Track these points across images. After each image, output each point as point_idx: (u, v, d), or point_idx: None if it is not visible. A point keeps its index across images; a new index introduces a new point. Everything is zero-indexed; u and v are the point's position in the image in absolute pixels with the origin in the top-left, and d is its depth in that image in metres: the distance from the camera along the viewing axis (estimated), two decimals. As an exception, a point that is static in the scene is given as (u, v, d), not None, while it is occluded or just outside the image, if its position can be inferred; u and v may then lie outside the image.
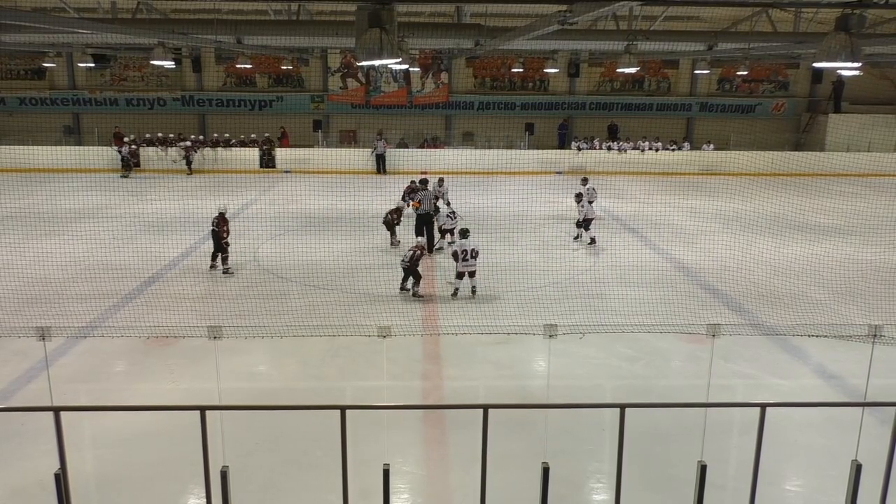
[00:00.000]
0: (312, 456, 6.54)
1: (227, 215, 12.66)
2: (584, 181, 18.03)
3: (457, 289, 11.35)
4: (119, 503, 5.96)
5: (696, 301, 11.12)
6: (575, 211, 15.65)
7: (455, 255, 11.37)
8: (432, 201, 14.23)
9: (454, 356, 8.98)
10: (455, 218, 14.20)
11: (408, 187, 16.12)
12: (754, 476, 4.16)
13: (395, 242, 14.34)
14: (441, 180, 16.66)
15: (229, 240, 12.52)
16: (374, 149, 25.52)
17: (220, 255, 12.52)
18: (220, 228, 12.38)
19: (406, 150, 26.77)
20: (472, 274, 11.31)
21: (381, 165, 25.39)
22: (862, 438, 4.66)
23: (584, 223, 14.94)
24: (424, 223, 13.83)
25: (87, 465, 6.43)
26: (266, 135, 26.89)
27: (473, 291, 11.37)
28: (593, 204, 17.79)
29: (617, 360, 8.95)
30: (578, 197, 15.44)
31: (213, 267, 12.60)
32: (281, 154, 26.04)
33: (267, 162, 25.79)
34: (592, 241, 14.91)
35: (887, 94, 28.97)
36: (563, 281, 12.21)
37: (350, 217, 17.21)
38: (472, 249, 11.20)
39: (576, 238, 15.15)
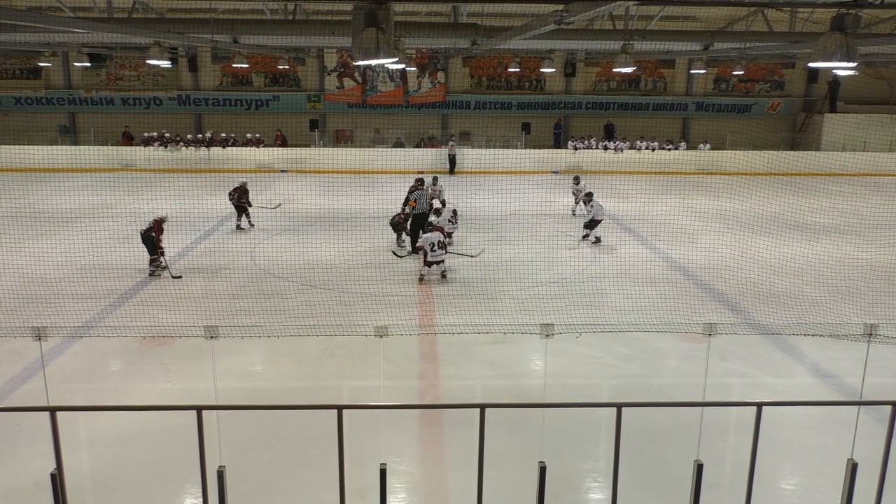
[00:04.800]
0: (309, 455, 6.53)
1: (164, 224, 12.41)
2: (577, 180, 18.05)
3: (422, 275, 11.96)
4: (115, 503, 5.95)
5: (692, 300, 11.14)
6: (583, 211, 15.61)
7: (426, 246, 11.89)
8: (428, 200, 14.24)
9: (451, 355, 8.98)
10: (456, 221, 14.20)
11: (413, 186, 16.13)
12: (750, 475, 4.17)
13: (401, 244, 14.37)
14: (435, 179, 16.64)
15: (164, 246, 12.33)
16: (449, 149, 25.83)
17: (153, 258, 12.27)
18: (152, 234, 12.15)
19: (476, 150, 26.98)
20: (439, 263, 11.97)
21: (452, 166, 25.56)
22: (858, 437, 4.68)
23: (592, 224, 14.86)
24: (420, 222, 13.85)
25: (84, 465, 6.42)
26: (257, 135, 26.95)
27: (443, 275, 12.05)
28: (577, 204, 17.87)
29: (613, 360, 8.96)
30: (588, 196, 15.26)
31: (156, 270, 12.30)
32: (278, 153, 26.05)
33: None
34: (597, 240, 14.88)
35: (883, 94, 29.05)
36: (559, 280, 12.22)
37: (347, 217, 17.21)
38: (439, 241, 11.86)
39: (584, 237, 15.00)
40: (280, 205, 16.94)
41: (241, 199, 15.90)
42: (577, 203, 18.14)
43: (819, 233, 15.86)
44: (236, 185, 16.03)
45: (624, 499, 4.30)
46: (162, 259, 12.30)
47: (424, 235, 12.04)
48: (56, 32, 15.06)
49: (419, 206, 13.96)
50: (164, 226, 12.47)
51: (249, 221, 16.17)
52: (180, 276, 12.09)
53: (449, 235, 13.95)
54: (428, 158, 25.66)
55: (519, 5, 18.28)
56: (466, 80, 30.22)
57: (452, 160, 25.63)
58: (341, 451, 4.01)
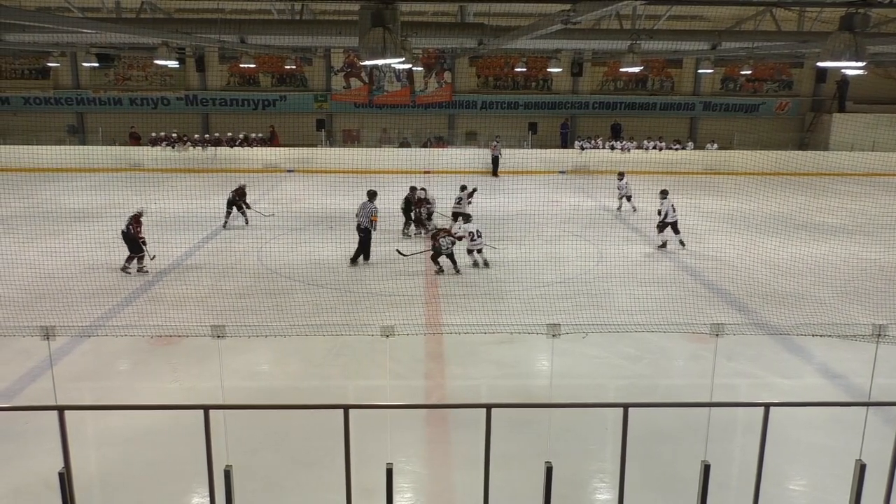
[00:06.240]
0: (315, 455, 6.54)
1: (142, 218, 12.52)
2: (621, 176, 18.17)
3: (475, 262, 13.01)
4: (123, 502, 5.97)
5: (699, 300, 11.10)
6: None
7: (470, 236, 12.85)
8: (367, 216, 13.37)
9: (457, 355, 8.98)
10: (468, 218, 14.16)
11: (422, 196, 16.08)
12: (758, 476, 4.16)
13: (406, 233, 15.52)
14: (423, 190, 16.41)
15: (146, 238, 12.47)
16: (493, 149, 25.66)
17: (136, 256, 12.41)
18: (133, 231, 12.27)
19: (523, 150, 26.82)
20: (479, 250, 12.95)
21: (495, 167, 25.46)
22: (866, 438, 4.65)
23: (662, 225, 14.61)
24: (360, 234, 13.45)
25: (91, 463, 6.44)
26: (260, 135, 27.06)
27: (486, 264, 12.99)
28: (632, 200, 17.96)
29: (620, 360, 8.95)
30: (663, 194, 14.81)
31: (126, 269, 12.38)
32: (279, 153, 26.13)
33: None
34: (664, 244, 14.59)
35: (892, 94, 28.89)
36: (566, 280, 12.21)
37: (353, 216, 17.17)
38: (477, 230, 12.86)
39: (662, 245, 14.66)
40: (273, 215, 17.21)
41: (239, 199, 16.40)
42: (620, 199, 18.46)
43: (827, 233, 15.78)
44: (236, 186, 16.52)
45: (630, 499, 4.29)
46: (144, 249, 12.46)
47: (465, 225, 12.99)
48: (65, 33, 15.14)
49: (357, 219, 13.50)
50: (143, 219, 12.62)
51: (246, 220, 16.55)
52: (154, 256, 12.65)
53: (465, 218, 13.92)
54: (476, 159, 25.43)
55: (526, 5, 18.23)
56: (473, 80, 30.21)
57: (496, 161, 25.36)
58: (347, 450, 4.01)
